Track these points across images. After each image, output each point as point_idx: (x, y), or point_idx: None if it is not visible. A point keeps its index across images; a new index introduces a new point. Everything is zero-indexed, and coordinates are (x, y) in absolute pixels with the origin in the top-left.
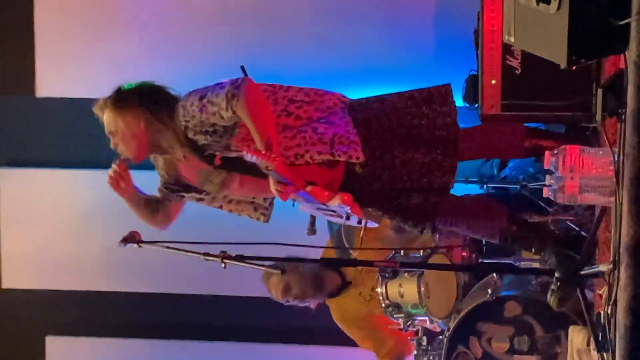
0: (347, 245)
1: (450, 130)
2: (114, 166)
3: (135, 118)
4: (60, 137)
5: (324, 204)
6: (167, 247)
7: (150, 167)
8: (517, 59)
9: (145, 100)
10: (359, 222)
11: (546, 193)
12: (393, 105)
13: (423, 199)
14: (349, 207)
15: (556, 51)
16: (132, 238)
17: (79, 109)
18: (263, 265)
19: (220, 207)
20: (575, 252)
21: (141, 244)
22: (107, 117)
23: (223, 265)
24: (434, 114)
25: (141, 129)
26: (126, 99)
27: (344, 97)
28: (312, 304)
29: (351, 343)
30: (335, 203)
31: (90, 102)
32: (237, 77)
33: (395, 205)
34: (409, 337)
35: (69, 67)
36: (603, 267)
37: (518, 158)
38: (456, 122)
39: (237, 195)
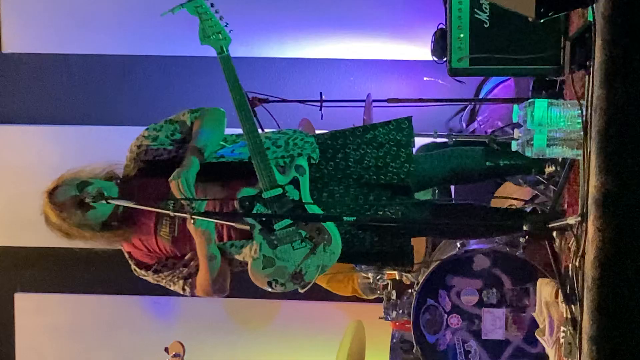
0: None
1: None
2: None
3: None
4: (27, 94)
5: None
6: (136, 204)
7: None
8: (486, 13)
9: None
10: None
11: (515, 146)
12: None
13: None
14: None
15: (524, 4)
16: (101, 195)
17: (45, 65)
18: (232, 221)
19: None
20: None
21: (109, 201)
22: None
23: (192, 221)
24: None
25: None
26: None
27: None
28: None
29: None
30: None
31: (57, 57)
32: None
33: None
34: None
35: (35, 22)
36: (571, 220)
37: None
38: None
39: None
